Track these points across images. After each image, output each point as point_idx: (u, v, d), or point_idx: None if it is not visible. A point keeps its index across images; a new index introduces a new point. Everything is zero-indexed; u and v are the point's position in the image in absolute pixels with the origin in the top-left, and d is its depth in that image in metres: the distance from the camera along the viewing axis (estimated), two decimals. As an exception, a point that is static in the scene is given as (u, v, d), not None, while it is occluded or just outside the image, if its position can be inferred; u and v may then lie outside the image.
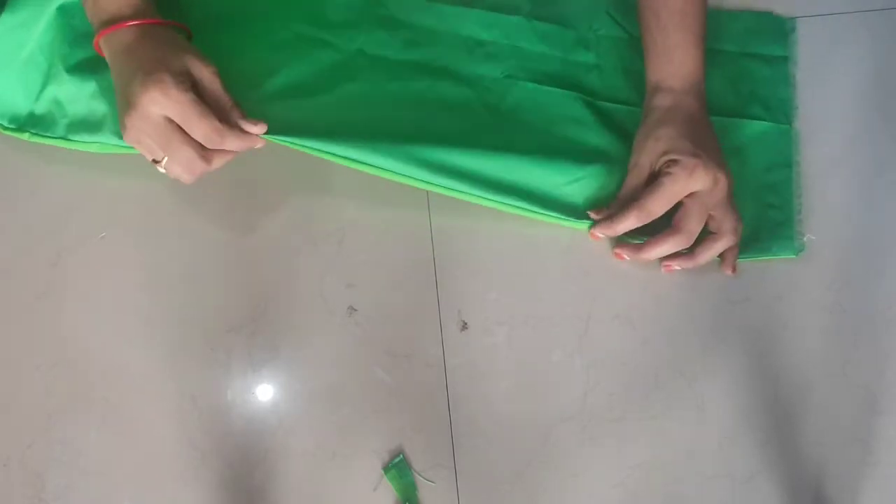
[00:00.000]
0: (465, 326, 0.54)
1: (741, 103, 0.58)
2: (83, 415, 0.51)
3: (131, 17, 0.49)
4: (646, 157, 0.52)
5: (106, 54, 0.50)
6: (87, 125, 0.54)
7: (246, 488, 0.50)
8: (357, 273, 0.54)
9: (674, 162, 0.50)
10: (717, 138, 0.53)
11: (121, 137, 0.53)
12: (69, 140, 0.54)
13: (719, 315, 0.54)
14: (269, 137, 0.51)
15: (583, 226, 0.53)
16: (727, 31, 0.60)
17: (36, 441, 0.51)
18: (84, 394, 0.52)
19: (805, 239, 0.55)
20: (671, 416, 0.52)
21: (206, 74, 0.49)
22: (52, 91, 0.54)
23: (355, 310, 0.54)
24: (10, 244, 0.54)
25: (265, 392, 0.52)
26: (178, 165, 0.49)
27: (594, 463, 0.51)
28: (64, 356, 0.52)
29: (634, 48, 0.59)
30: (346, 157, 0.52)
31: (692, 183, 0.50)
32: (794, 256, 0.55)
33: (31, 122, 0.54)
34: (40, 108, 0.54)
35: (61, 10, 0.54)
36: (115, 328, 0.53)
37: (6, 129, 0.54)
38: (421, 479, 0.51)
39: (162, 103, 0.46)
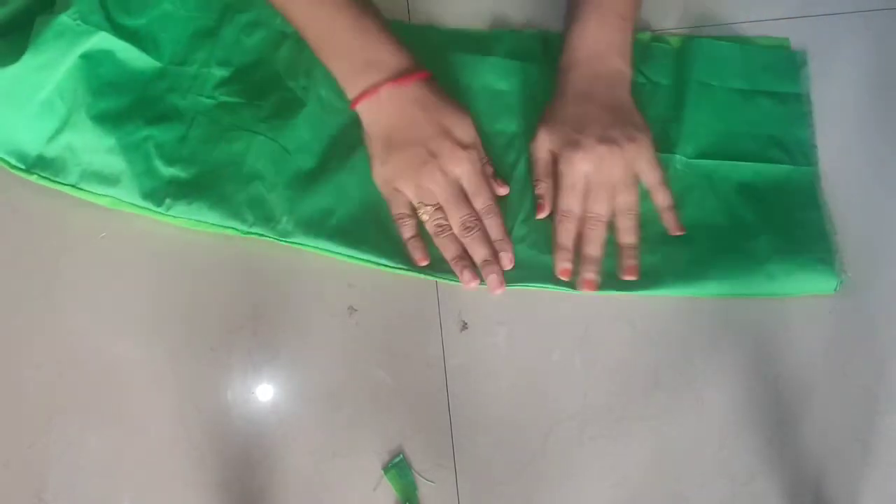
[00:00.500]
0: (465, 326, 0.54)
1: (760, 146, 0.57)
2: (83, 415, 0.51)
3: (416, 70, 0.52)
4: (540, 152, 0.54)
5: (383, 101, 0.51)
6: (100, 177, 0.53)
7: (246, 488, 0.50)
8: (357, 273, 0.54)
9: (560, 157, 0.53)
10: (614, 102, 0.53)
11: (138, 195, 0.53)
12: (79, 188, 0.53)
13: (719, 315, 0.54)
14: (301, 244, 0.53)
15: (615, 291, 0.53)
16: (738, 69, 0.59)
17: (36, 441, 0.51)
18: (84, 394, 0.52)
19: (843, 277, 0.54)
20: (671, 416, 0.52)
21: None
22: (68, 137, 0.53)
23: (355, 310, 0.54)
24: (11, 244, 0.54)
25: (265, 392, 0.52)
26: (456, 220, 0.52)
27: (594, 463, 0.51)
28: (64, 356, 0.52)
29: (651, 93, 0.58)
30: (377, 263, 0.53)
31: (579, 168, 0.52)
32: (830, 293, 0.54)
33: (41, 165, 0.53)
34: (51, 151, 0.53)
35: (86, 57, 0.53)
36: (115, 328, 0.53)
37: (14, 167, 0.53)
38: (421, 479, 0.51)
39: (466, 168, 0.51)
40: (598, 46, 0.54)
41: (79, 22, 0.52)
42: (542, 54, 0.59)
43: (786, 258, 0.53)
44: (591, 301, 0.54)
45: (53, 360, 0.52)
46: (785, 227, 0.55)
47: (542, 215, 0.54)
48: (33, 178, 0.53)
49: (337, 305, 0.54)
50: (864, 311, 0.54)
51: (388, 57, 0.51)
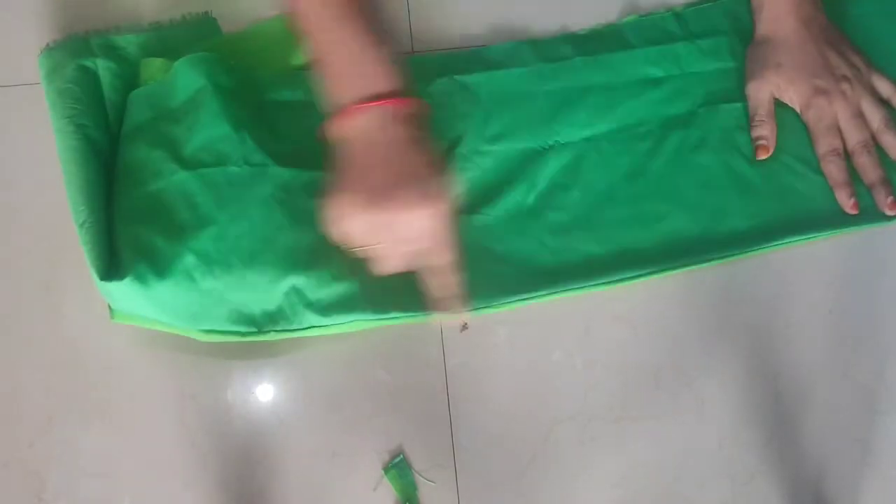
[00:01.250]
0: (465, 326, 0.54)
1: None
2: (83, 415, 0.51)
3: (403, 95, 0.46)
4: (762, 95, 0.57)
5: (361, 120, 0.46)
6: (339, 306, 0.50)
7: (246, 488, 0.50)
8: (357, 273, 0.54)
9: (808, 105, 0.56)
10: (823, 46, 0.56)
11: (377, 311, 0.50)
12: (320, 327, 0.51)
13: (719, 315, 0.54)
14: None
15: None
16: None
17: (36, 441, 0.51)
18: (84, 394, 0.52)
19: None
20: (671, 416, 0.52)
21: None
22: (289, 281, 0.49)
23: (355, 310, 0.54)
24: (11, 243, 0.54)
25: (265, 392, 0.52)
26: (394, 259, 0.48)
27: (594, 463, 0.51)
28: (64, 356, 0.52)
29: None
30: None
31: (830, 111, 0.56)
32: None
33: (270, 321, 0.50)
34: (272, 303, 0.50)
35: (271, 200, 0.51)
36: (115, 328, 0.53)
37: (246, 335, 0.51)
38: (421, 479, 0.51)
39: (440, 221, 0.45)
40: None
41: (245, 167, 0.51)
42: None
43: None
44: (592, 301, 0.54)
45: (53, 360, 0.52)
46: None
47: (765, 156, 0.56)
48: (268, 336, 0.51)
49: (337, 305, 0.54)
50: (864, 311, 0.54)
51: (382, 79, 0.46)
